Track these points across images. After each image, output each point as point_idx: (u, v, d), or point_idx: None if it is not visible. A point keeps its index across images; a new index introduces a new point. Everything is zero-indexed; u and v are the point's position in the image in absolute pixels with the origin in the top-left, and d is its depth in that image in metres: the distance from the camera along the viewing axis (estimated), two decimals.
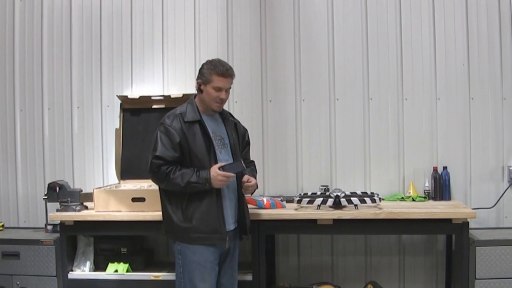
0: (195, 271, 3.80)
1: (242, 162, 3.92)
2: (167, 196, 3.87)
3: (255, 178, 4.02)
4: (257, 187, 4.05)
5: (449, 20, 5.02)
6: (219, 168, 3.73)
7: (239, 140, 4.10)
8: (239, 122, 4.21)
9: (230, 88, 3.92)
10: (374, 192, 4.72)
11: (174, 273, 4.25)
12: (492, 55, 5.00)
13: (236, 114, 4.43)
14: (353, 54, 5.15)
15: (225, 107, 4.19)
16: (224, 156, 3.88)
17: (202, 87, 3.84)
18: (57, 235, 4.63)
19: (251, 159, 4.23)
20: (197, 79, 3.91)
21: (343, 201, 4.41)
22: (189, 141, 3.78)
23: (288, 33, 5.20)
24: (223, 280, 3.99)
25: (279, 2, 5.23)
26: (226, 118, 4.05)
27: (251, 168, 4.06)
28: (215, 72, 3.79)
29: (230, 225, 3.91)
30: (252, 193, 4.14)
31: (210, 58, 4.02)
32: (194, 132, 3.80)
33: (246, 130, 4.26)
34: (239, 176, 3.91)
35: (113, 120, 5.23)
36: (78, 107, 5.37)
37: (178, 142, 3.75)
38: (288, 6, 5.18)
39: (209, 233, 3.77)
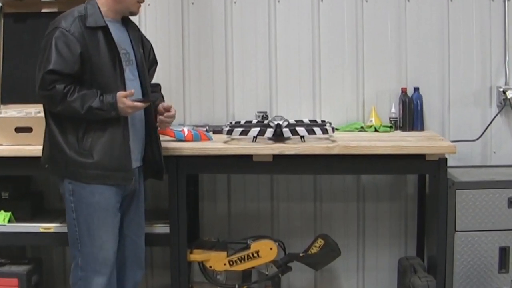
0: (93, 216, 3.28)
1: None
2: (56, 120, 3.28)
3: None
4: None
5: None
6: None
7: (145, 57, 3.60)
8: (145, 36, 3.72)
9: None
10: (326, 121, 4.07)
11: None
12: None
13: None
14: None
15: None
16: (128, 75, 3.34)
17: None
18: None
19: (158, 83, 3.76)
20: None
21: (286, 131, 3.78)
22: (91, 52, 3.21)
23: None
24: (127, 231, 3.41)
25: None
26: (133, 28, 3.50)
27: (160, 94, 3.63)
28: None
29: (136, 161, 3.39)
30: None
31: None
32: (98, 41, 3.24)
33: (152, 45, 3.76)
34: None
35: None
36: None
37: (80, 53, 3.18)
38: None
39: (112, 170, 3.27)
